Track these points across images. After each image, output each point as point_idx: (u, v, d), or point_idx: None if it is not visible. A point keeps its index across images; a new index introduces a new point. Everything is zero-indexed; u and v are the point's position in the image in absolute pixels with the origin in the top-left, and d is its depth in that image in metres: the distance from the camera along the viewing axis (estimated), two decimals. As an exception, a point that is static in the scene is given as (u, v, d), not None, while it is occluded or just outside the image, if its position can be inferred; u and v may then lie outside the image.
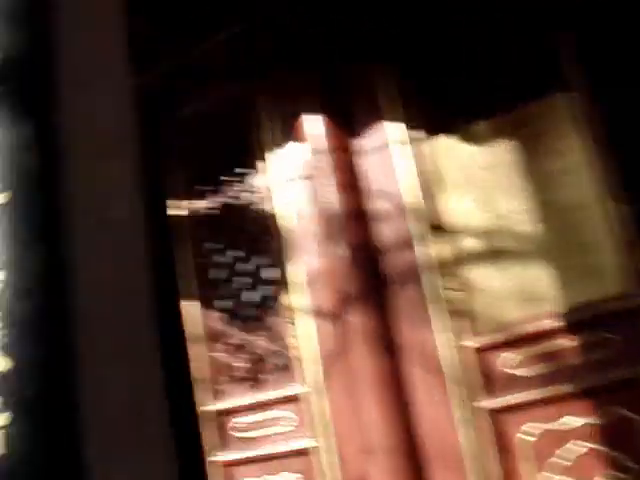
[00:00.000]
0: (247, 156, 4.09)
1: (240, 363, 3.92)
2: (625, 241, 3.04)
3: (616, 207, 3.08)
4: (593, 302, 3.07)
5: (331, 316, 3.61)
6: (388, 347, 3.46)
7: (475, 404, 3.26)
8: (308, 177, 3.76)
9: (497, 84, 3.44)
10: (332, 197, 3.64)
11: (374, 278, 3.55)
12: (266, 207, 3.97)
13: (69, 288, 1.32)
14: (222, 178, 4.16)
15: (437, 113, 3.60)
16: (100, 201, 1.72)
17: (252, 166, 4.08)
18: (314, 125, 3.74)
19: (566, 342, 3.11)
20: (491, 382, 3.27)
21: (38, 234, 1.36)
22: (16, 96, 1.63)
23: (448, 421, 3.31)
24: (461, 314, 3.35)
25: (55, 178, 1.54)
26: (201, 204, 4.22)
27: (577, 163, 3.21)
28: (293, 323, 3.74)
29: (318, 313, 3.69)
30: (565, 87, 3.27)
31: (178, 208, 4.26)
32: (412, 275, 3.49)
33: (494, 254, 3.33)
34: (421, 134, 3.59)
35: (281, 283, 3.85)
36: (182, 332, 4.02)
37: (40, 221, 1.38)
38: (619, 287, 3.04)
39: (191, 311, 4.09)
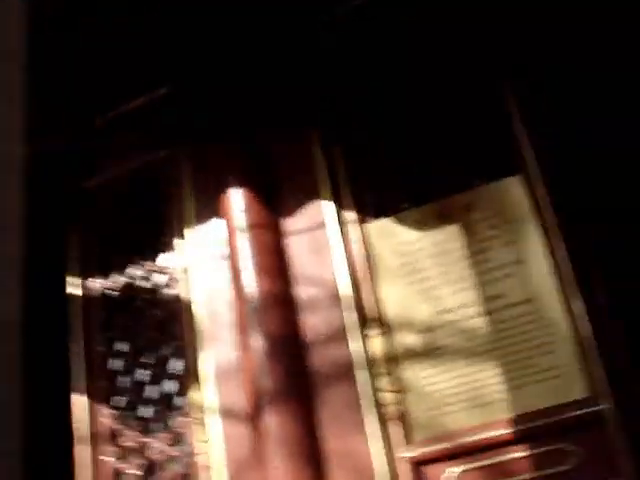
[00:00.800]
0: (163, 232, 3.66)
1: (133, 469, 3.34)
2: (581, 341, 2.77)
3: (572, 303, 2.82)
4: (548, 409, 2.73)
5: (245, 417, 3.12)
6: (311, 456, 2.97)
7: (412, 525, 2.83)
8: (227, 258, 3.34)
9: (442, 164, 3.20)
10: (252, 281, 3.22)
11: (297, 375, 3.09)
12: (178, 289, 3.50)
13: None
14: (133, 256, 3.68)
15: (375, 193, 3.31)
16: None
17: (168, 243, 3.63)
18: (238, 201, 3.34)
19: (517, 454, 2.73)
20: (430, 500, 2.85)
21: None
22: None
23: None
24: (398, 420, 2.93)
25: None
26: (103, 284, 3.71)
27: (530, 253, 2.95)
28: (200, 424, 3.22)
29: (229, 413, 3.19)
30: (518, 170, 3.06)
31: (79, 287, 3.72)
32: (342, 373, 3.06)
33: (437, 352, 2.98)
34: (356, 216, 3.26)
35: (188, 377, 3.34)
36: (69, 431, 3.41)
37: None
38: (577, 393, 2.74)
39: (80, 406, 3.50)
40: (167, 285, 3.56)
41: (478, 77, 3.23)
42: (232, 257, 3.29)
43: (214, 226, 3.48)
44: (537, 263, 2.92)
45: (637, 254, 2.79)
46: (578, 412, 2.67)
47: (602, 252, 2.83)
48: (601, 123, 2.90)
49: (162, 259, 3.63)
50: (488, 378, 2.86)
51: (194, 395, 3.26)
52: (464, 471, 2.79)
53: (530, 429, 2.71)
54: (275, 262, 3.26)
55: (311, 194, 3.33)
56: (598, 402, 2.66)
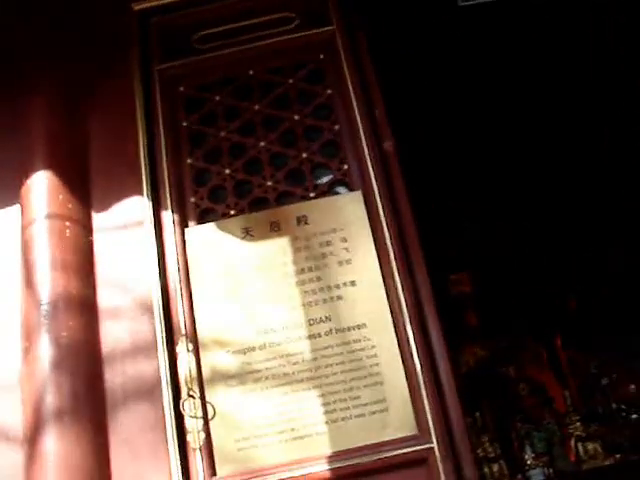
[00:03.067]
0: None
1: None
2: (413, 373, 2.58)
3: (404, 333, 2.63)
4: (372, 445, 2.49)
5: (20, 441, 2.61)
6: (97, 485, 2.56)
7: None
8: (20, 250, 2.84)
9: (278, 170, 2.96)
10: (46, 279, 2.74)
11: (89, 392, 2.65)
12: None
13: None
14: None
15: (199, 195, 2.97)
16: None
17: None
18: (39, 184, 2.86)
19: (339, 494, 2.48)
20: None
21: None
22: None
23: None
24: (202, 449, 2.57)
25: None
26: None
27: (365, 275, 2.73)
28: (-36, 446, 2.67)
29: (1, 435, 2.69)
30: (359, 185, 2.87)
31: None
32: (142, 392, 2.67)
33: (253, 376, 2.66)
34: (175, 218, 2.89)
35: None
36: None
37: None
38: (405, 429, 2.54)
39: None
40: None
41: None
42: (25, 249, 2.80)
43: (11, 212, 2.97)
44: (372, 287, 2.70)
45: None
46: (404, 450, 2.46)
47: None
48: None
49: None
50: (308, 409, 2.59)
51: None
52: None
53: (351, 467, 2.46)
54: (76, 260, 2.80)
55: (128, 188, 2.92)
56: (425, 440, 2.48)
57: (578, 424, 5.51)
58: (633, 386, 5.89)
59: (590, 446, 5.44)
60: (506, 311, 6.51)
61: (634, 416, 5.69)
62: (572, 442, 5.54)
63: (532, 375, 6.30)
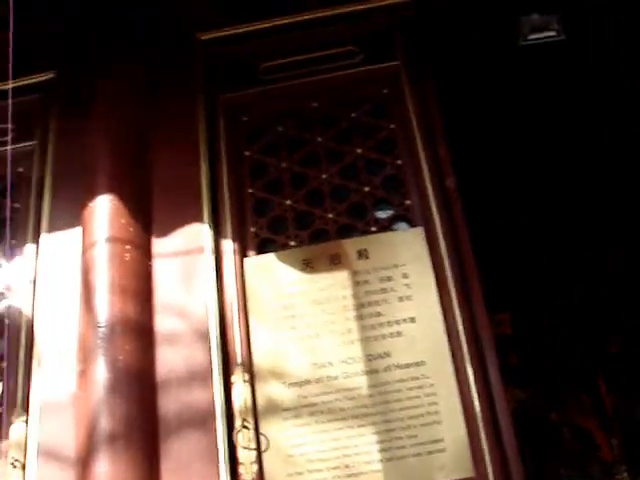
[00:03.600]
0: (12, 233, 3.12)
1: None
2: (471, 414, 2.53)
3: (463, 372, 2.60)
4: (428, 486, 2.47)
5: (72, 462, 2.61)
6: (147, 513, 2.53)
7: None
8: (80, 272, 2.86)
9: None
10: (104, 302, 2.74)
11: (143, 417, 2.62)
12: (13, 303, 2.96)
13: None
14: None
15: (260, 224, 2.98)
16: None
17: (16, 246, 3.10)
18: (102, 208, 2.88)
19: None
20: None
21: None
22: None
23: None
24: (255, 481, 2.56)
25: None
26: None
27: (425, 311, 2.70)
28: (18, 465, 2.67)
29: (53, 456, 2.67)
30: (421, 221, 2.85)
31: None
32: (195, 421, 2.64)
33: (308, 409, 2.64)
34: (236, 247, 2.90)
35: (10, 408, 2.79)
36: None
37: None
38: (461, 471, 2.49)
39: None
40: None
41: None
42: (85, 271, 2.82)
43: (72, 234, 2.99)
44: (432, 324, 2.67)
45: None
46: (460, 493, 2.42)
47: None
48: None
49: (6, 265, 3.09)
50: (364, 445, 2.55)
51: (15, 432, 2.72)
52: None
53: (408, 509, 2.43)
54: (135, 284, 2.80)
55: (189, 215, 2.93)
56: (482, 482, 2.43)
57: (625, 475, 5.35)
58: (686, 436, 5.70)
59: (638, 498, 5.28)
60: (545, 353, 6.41)
61: (685, 469, 5.50)
62: (620, 493, 5.38)
63: (576, 421, 6.15)
